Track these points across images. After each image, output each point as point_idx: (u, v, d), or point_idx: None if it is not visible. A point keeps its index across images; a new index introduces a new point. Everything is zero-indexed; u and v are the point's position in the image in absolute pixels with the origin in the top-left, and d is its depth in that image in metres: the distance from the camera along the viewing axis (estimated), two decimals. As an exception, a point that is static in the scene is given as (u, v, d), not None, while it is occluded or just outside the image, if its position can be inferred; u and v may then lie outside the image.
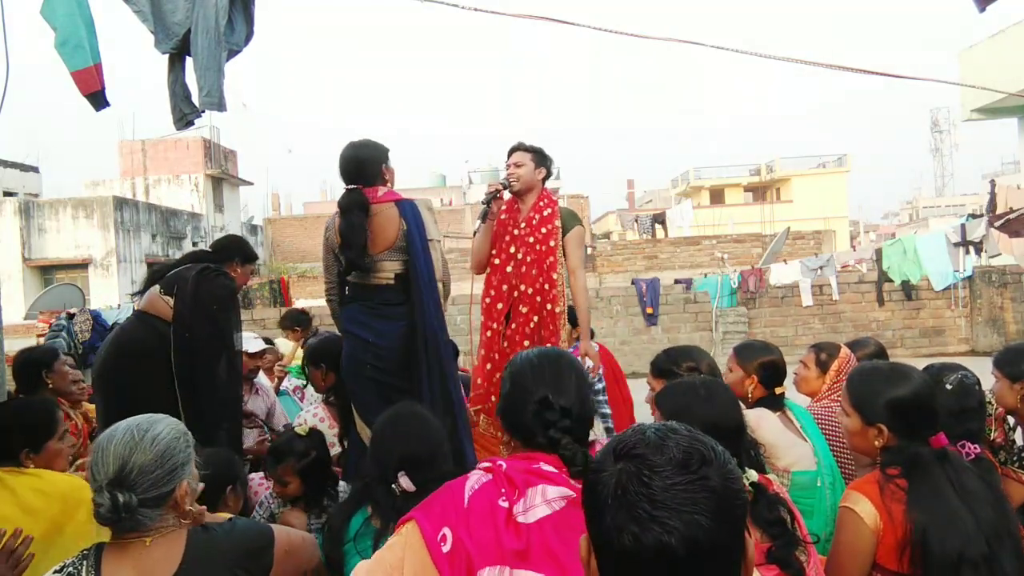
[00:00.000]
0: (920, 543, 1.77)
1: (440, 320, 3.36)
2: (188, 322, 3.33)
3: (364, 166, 3.40)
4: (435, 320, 3.32)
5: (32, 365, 3.65)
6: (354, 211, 3.30)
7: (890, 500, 1.84)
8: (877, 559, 1.85)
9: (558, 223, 3.90)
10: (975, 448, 2.26)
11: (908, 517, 1.80)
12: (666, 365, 2.73)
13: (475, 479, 1.55)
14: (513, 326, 3.90)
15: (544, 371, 1.67)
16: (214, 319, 3.40)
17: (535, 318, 3.88)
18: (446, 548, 1.44)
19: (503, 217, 4.00)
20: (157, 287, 3.45)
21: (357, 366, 3.33)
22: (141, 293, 3.57)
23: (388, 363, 3.31)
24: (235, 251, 3.75)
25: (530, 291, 3.89)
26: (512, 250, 3.94)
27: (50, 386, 3.57)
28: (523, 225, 3.93)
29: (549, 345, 3.71)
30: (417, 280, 3.31)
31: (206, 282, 3.41)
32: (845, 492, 1.99)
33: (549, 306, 3.87)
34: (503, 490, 1.50)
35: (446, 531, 1.46)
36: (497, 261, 3.98)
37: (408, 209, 3.36)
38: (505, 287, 3.93)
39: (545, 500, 1.48)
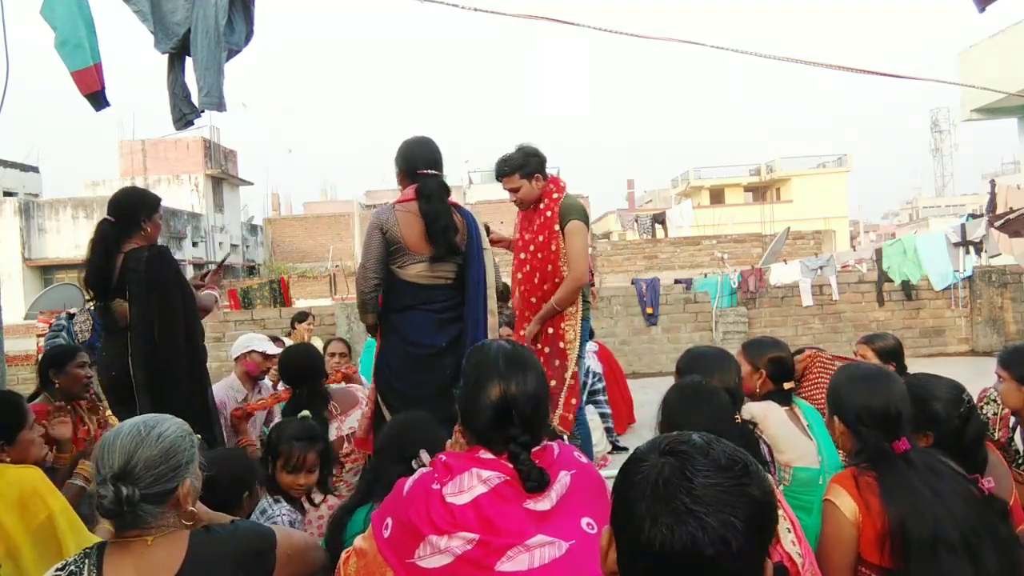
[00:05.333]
0: (899, 532, 1.82)
1: (485, 329, 3.32)
2: (149, 317, 3.37)
3: (439, 157, 3.40)
4: (482, 331, 3.27)
5: (44, 363, 3.67)
6: (443, 195, 3.27)
7: (866, 492, 1.91)
8: (861, 553, 1.90)
9: (557, 227, 3.77)
10: None
11: (885, 509, 1.86)
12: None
13: (418, 472, 1.68)
14: (522, 334, 3.88)
15: (507, 377, 1.67)
16: (177, 294, 3.45)
17: (549, 329, 3.84)
18: (387, 534, 1.60)
19: (519, 224, 4.00)
20: (118, 301, 3.43)
21: (425, 374, 3.24)
22: (99, 300, 3.51)
23: (451, 372, 3.20)
24: (138, 210, 3.52)
25: (534, 300, 3.87)
26: (522, 256, 3.93)
27: (57, 385, 3.57)
28: (531, 231, 3.90)
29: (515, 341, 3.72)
30: (471, 287, 3.28)
31: (150, 272, 3.39)
32: (827, 485, 2.06)
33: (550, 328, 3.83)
34: (436, 475, 1.62)
35: (389, 520, 1.62)
36: (512, 268, 4.01)
37: (469, 216, 3.37)
38: (518, 291, 3.96)
39: (481, 480, 1.58)
